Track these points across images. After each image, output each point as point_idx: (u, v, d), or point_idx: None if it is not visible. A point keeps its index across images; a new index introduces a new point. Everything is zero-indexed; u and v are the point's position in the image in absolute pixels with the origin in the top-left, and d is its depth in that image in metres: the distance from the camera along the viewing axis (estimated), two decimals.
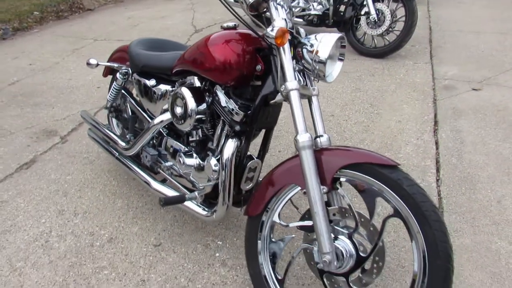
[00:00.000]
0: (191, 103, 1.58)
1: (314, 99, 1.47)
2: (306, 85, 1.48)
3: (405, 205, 1.22)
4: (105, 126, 2.30)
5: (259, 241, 1.48)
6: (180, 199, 1.59)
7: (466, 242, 1.84)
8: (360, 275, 1.35)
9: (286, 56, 1.33)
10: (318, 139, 1.43)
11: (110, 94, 2.21)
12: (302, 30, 1.41)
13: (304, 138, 1.29)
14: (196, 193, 1.61)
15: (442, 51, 4.31)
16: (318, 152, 1.34)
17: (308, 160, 1.29)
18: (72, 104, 3.40)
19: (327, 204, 1.42)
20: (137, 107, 2.10)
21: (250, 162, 1.62)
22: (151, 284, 1.69)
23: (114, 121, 2.41)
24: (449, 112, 3.04)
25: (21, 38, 5.43)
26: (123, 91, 2.20)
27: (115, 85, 2.17)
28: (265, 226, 1.47)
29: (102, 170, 2.48)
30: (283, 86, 1.33)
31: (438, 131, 2.78)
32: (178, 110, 1.64)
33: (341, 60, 1.42)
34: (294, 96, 1.32)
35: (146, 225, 2.02)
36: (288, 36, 1.32)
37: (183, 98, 1.60)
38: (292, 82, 1.32)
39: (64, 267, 1.78)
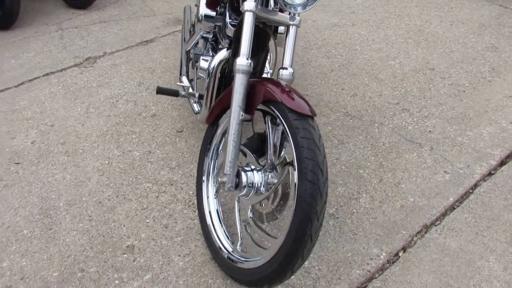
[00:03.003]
0: (202, 9, 1.70)
1: (291, 29, 1.40)
2: (289, 13, 1.41)
3: (295, 155, 1.16)
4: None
5: (208, 149, 1.61)
6: (173, 93, 1.80)
7: (449, 245, 1.54)
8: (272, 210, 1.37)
9: None
10: (280, 70, 1.41)
11: None
12: None
13: (241, 62, 1.30)
14: (186, 92, 1.79)
15: None
16: (259, 82, 1.33)
17: (238, 84, 1.31)
18: None
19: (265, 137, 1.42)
20: None
21: None
22: (152, 156, 2.04)
23: None
24: None
25: None
26: None
27: None
28: (214, 137, 1.58)
29: None
30: (242, 6, 1.32)
31: None
32: (197, 13, 1.78)
33: None
34: (247, 17, 1.31)
35: (183, 114, 2.33)
36: None
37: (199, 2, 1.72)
38: (248, 2, 1.29)
39: (112, 122, 2.28)
